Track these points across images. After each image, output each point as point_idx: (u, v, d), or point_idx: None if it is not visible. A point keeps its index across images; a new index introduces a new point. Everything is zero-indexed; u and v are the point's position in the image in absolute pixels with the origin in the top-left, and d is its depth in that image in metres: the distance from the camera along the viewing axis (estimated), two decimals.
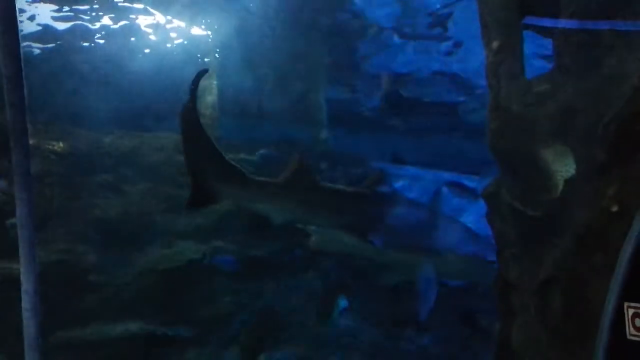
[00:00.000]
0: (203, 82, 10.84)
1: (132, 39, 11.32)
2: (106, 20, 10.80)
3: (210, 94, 10.88)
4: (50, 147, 9.23)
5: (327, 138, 12.80)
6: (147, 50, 11.67)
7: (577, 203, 4.27)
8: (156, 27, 11.04)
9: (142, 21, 10.87)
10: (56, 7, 10.25)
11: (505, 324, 4.92)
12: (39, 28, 10.83)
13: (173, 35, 11.38)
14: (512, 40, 4.91)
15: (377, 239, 8.33)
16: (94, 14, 10.46)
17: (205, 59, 11.56)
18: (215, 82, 11.01)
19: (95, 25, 10.89)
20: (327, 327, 10.01)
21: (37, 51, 11.39)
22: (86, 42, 11.35)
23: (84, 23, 10.76)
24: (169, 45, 11.64)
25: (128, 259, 9.14)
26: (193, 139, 8.12)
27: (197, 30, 11.22)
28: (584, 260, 4.01)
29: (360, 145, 13.33)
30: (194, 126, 8.12)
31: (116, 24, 10.83)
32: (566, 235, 4.22)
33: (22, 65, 2.61)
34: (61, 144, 9.37)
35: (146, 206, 9.66)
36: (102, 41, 11.35)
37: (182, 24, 11.03)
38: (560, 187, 4.40)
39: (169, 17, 10.62)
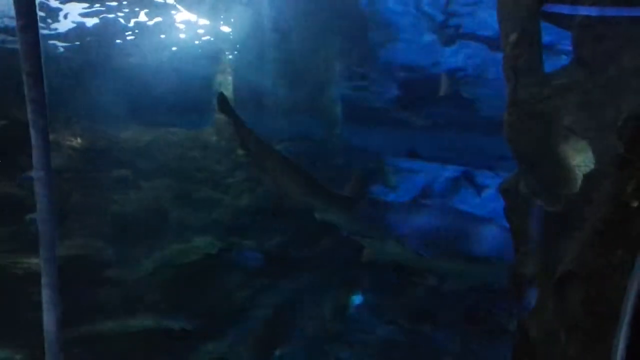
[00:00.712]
0: (218, 77, 10.95)
1: (162, 35, 11.32)
2: (141, 17, 10.77)
3: (225, 89, 10.88)
4: (68, 142, 9.31)
5: (342, 133, 12.77)
6: (161, 46, 11.69)
7: (596, 198, 4.22)
8: (178, 23, 11.03)
9: (169, 18, 10.83)
10: (87, 5, 10.25)
11: (522, 320, 4.89)
12: (66, 26, 10.86)
13: (190, 31, 11.35)
14: (529, 33, 4.86)
15: (425, 249, 8.56)
16: (127, 10, 10.45)
17: (230, 56, 11.54)
18: (230, 78, 11.02)
19: (130, 22, 10.89)
20: (341, 322, 10.03)
21: (61, 49, 11.44)
22: (114, 39, 11.36)
23: (119, 18, 10.74)
24: (194, 42, 11.62)
25: (145, 254, 9.20)
26: (267, 156, 8.84)
27: (216, 26, 11.17)
28: (604, 256, 3.97)
29: (375, 140, 13.29)
30: (262, 145, 8.83)
31: (151, 20, 10.81)
32: (585, 230, 4.17)
33: (42, 61, 2.62)
34: (79, 140, 9.43)
35: (162, 201, 9.72)
36: (132, 37, 11.35)
37: (205, 21, 10.99)
38: (579, 182, 4.35)
39: (190, 13, 10.61)
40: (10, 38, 10.39)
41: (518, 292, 4.92)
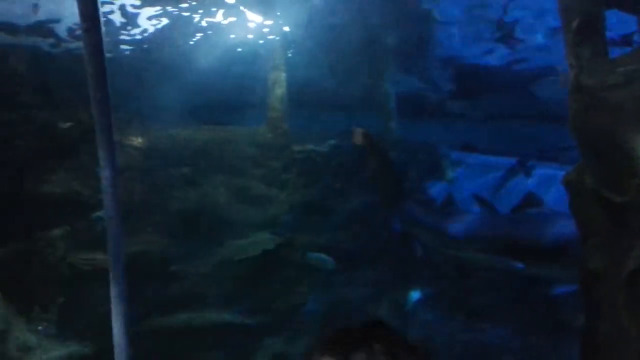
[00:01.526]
0: (271, 75, 11.02)
1: (232, 36, 11.44)
2: (212, 17, 10.88)
3: (279, 86, 10.94)
4: (131, 142, 9.56)
5: (396, 126, 12.65)
6: (219, 46, 11.82)
7: None
8: (244, 23, 11.11)
9: (238, 18, 10.92)
10: (159, 7, 10.42)
11: (590, 316, 4.72)
12: (140, 29, 11.08)
13: (255, 30, 11.41)
14: (592, 18, 4.68)
15: (518, 263, 8.33)
16: (201, 10, 10.58)
17: (289, 54, 11.57)
18: (284, 75, 11.05)
19: (202, 23, 11.05)
20: (399, 319, 9.95)
21: (126, 52, 11.72)
22: (180, 40, 11.54)
23: (193, 17, 10.84)
24: (258, 41, 11.69)
25: (206, 249, 9.37)
26: (385, 174, 10.00)
27: (276, 24, 11.19)
28: None
29: (430, 133, 13.11)
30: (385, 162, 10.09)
31: (226, 19, 10.91)
32: None
33: (105, 62, 2.69)
34: (141, 139, 9.68)
35: (221, 198, 9.87)
36: (197, 38, 11.52)
37: (261, 19, 11.04)
38: None
39: (244, 10, 10.67)
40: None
41: (586, 287, 4.76)
